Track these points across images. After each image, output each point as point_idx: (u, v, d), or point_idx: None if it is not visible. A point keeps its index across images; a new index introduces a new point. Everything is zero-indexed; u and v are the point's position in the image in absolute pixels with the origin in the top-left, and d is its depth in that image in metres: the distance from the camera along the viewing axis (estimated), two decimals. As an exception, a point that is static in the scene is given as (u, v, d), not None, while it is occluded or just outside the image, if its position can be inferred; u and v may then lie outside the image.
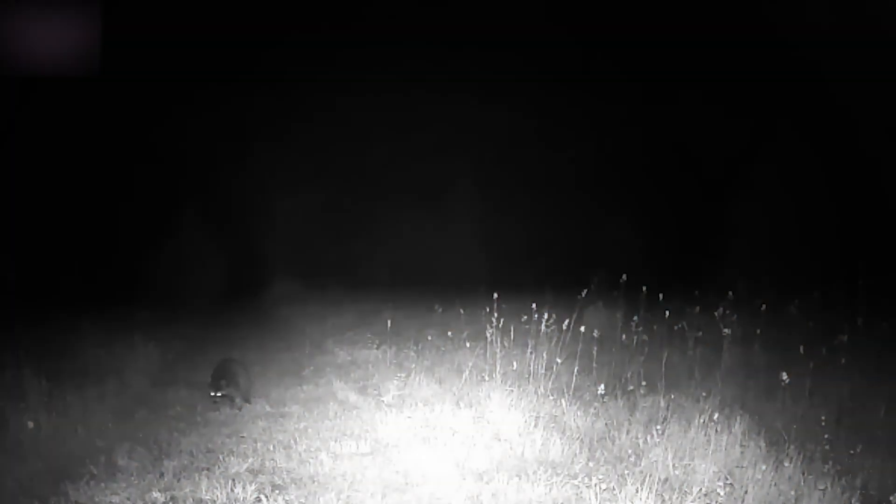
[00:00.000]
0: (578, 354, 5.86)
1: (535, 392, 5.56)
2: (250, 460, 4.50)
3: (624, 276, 7.14)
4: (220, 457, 4.56)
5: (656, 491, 3.91)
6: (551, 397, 5.53)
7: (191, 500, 3.91)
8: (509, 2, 13.92)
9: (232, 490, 3.97)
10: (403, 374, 6.56)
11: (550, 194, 15.04)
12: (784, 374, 4.86)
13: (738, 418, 4.80)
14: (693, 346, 6.62)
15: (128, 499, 3.92)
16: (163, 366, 7.12)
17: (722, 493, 4.01)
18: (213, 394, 5.57)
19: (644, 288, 7.11)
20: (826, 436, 4.62)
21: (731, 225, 13.19)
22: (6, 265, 10.02)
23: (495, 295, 6.38)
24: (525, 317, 6.46)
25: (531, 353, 6.13)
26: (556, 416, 5.26)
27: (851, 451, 4.47)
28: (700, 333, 6.74)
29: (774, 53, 12.46)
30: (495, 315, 6.14)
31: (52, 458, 4.45)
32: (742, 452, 4.45)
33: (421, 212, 14.61)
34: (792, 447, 4.40)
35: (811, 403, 5.38)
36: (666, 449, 4.43)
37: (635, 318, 6.71)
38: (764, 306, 6.75)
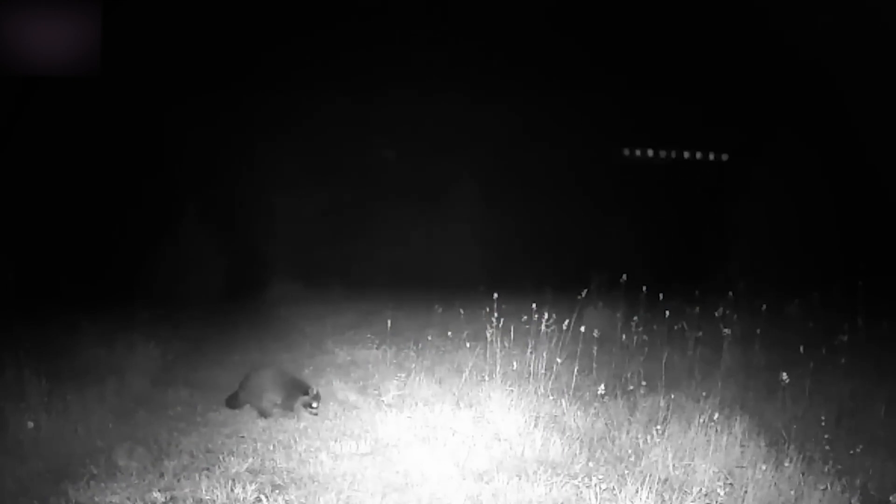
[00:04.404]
0: (578, 354, 5.86)
1: (535, 392, 5.55)
2: (250, 460, 4.50)
3: (624, 276, 7.14)
4: (220, 457, 4.55)
5: (656, 491, 3.90)
6: (551, 397, 5.53)
7: (191, 500, 3.90)
8: (510, 2, 13.92)
9: (232, 490, 3.97)
10: (403, 374, 6.56)
11: (550, 194, 15.05)
12: (784, 374, 4.87)
13: (738, 418, 4.80)
14: (693, 346, 6.62)
15: (128, 499, 3.91)
16: (163, 366, 7.10)
17: (722, 493, 4.00)
18: (313, 406, 5.46)
19: (644, 288, 7.11)
20: (826, 436, 4.61)
21: (731, 225, 13.19)
22: (6, 265, 10.01)
23: (495, 295, 6.38)
24: (525, 317, 6.46)
25: (531, 353, 6.12)
26: (556, 416, 5.26)
27: (851, 451, 4.46)
28: (700, 333, 6.74)
29: (775, 54, 12.46)
30: (495, 315, 6.13)
31: (52, 458, 4.44)
32: (742, 452, 4.45)
33: (421, 212, 14.61)
34: (792, 447, 4.40)
35: (811, 403, 5.38)
36: (666, 449, 4.43)
37: (635, 318, 6.71)
38: (764, 306, 6.76)
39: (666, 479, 4.16)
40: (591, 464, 4.48)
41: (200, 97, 13.18)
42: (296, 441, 4.91)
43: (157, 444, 4.80)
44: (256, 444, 4.86)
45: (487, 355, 6.20)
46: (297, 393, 5.48)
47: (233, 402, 5.65)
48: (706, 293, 7.93)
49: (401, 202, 14.51)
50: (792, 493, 3.97)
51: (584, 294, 6.87)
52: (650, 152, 15.35)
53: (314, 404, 5.44)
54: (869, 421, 5.19)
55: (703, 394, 5.49)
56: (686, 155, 15.09)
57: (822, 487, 3.96)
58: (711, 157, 14.78)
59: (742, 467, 4.27)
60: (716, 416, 4.71)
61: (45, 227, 11.53)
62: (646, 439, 4.69)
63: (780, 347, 6.69)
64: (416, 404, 5.58)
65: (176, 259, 12.49)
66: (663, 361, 5.86)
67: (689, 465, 4.34)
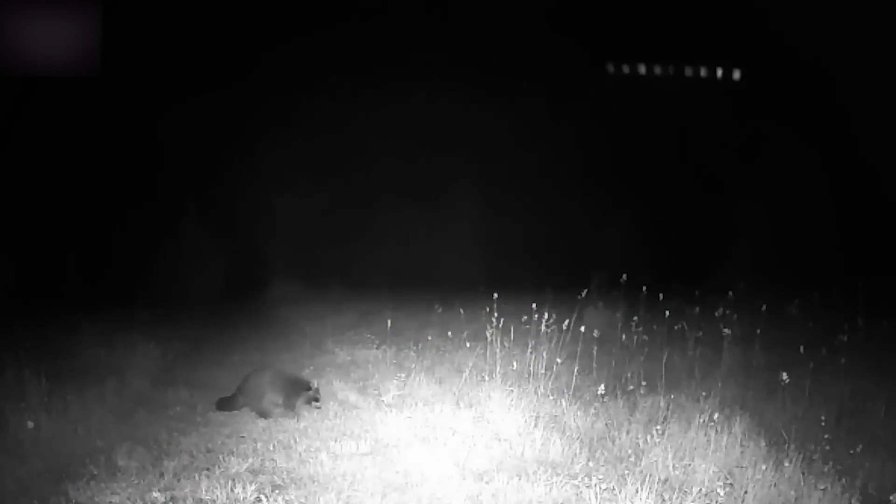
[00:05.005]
0: (578, 354, 5.86)
1: (535, 392, 5.56)
2: (250, 460, 4.50)
3: (624, 276, 7.15)
4: (220, 457, 4.55)
5: (656, 491, 3.91)
6: (551, 397, 5.53)
7: (191, 500, 3.90)
8: (510, 2, 13.92)
9: (232, 490, 3.97)
10: (403, 374, 6.56)
11: (550, 194, 15.04)
12: (784, 374, 4.87)
13: (738, 418, 4.80)
14: (693, 346, 6.62)
15: (128, 499, 3.91)
16: (163, 366, 7.10)
17: (722, 493, 4.01)
18: (316, 400, 5.51)
19: (644, 288, 7.12)
20: (826, 436, 4.62)
21: (731, 225, 13.19)
22: (6, 265, 10.00)
23: (495, 295, 6.38)
24: (525, 317, 6.46)
25: (531, 353, 6.12)
26: (556, 416, 5.26)
27: (851, 451, 4.47)
28: (700, 333, 6.75)
29: (775, 53, 12.47)
30: (495, 315, 6.14)
31: (52, 458, 4.44)
32: (742, 452, 4.45)
33: (421, 212, 14.61)
34: (792, 447, 4.40)
35: (811, 403, 5.38)
36: (666, 449, 4.43)
37: (635, 318, 6.71)
38: (764, 306, 6.76)
39: (666, 479, 4.16)
40: (591, 464, 4.48)
41: (200, 97, 13.17)
42: (296, 441, 4.91)
43: (157, 444, 4.81)
44: (256, 444, 4.86)
45: (487, 355, 6.21)
46: (298, 392, 5.50)
47: (228, 405, 5.64)
48: (706, 293, 7.93)
49: (401, 202, 14.49)
50: (792, 493, 3.98)
51: (584, 294, 6.87)
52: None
53: (317, 398, 5.46)
54: (869, 421, 5.20)
55: (703, 394, 5.49)
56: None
57: (822, 487, 3.97)
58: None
59: (742, 467, 4.27)
60: (716, 416, 4.71)
61: (45, 227, 11.52)
62: (646, 439, 4.70)
63: (780, 347, 6.70)
64: (416, 404, 5.59)
65: (176, 259, 12.48)
66: (663, 361, 5.86)
67: (689, 465, 4.34)
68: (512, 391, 5.57)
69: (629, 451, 4.65)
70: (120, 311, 8.76)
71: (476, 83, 14.33)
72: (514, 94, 14.75)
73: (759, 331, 6.52)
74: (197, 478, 4.16)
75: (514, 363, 6.09)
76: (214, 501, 3.88)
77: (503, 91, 14.59)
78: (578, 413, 5.23)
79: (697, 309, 7.22)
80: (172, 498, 3.93)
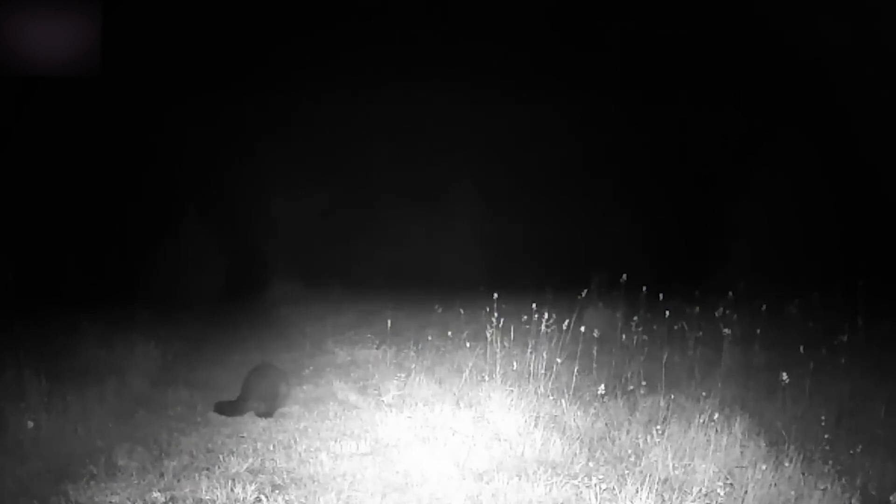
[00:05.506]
0: (578, 354, 5.86)
1: (535, 392, 5.55)
2: (250, 460, 4.50)
3: (624, 276, 7.14)
4: (220, 457, 4.55)
5: (656, 491, 3.90)
6: (551, 397, 5.53)
7: (191, 500, 3.90)
8: (510, 2, 13.93)
9: (232, 490, 3.97)
10: (403, 374, 6.56)
11: (550, 194, 15.05)
12: (784, 374, 4.87)
13: (738, 418, 4.80)
14: (693, 346, 6.62)
15: (128, 499, 3.91)
16: (163, 366, 7.10)
17: (722, 493, 4.01)
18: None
19: (644, 288, 7.11)
20: (826, 436, 4.61)
21: (731, 225, 13.20)
22: (6, 265, 10.01)
23: (495, 295, 6.38)
24: (525, 317, 6.46)
25: (531, 353, 6.12)
26: (556, 416, 5.26)
27: (851, 451, 4.46)
28: (700, 333, 6.74)
29: (776, 54, 12.47)
30: (495, 315, 6.14)
31: (52, 458, 4.44)
32: (742, 452, 4.45)
33: (421, 212, 14.62)
34: (792, 447, 4.40)
35: (811, 403, 5.38)
36: (666, 449, 4.43)
37: (635, 318, 6.71)
38: (764, 306, 6.76)
39: (666, 479, 4.16)
40: (591, 464, 4.48)
41: (200, 97, 13.18)
42: (296, 441, 4.91)
43: (157, 444, 4.80)
44: (256, 444, 4.86)
45: (487, 355, 6.21)
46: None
47: (232, 409, 5.61)
48: (706, 293, 7.93)
49: (401, 202, 14.51)
50: (792, 493, 3.97)
51: (584, 294, 6.87)
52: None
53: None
54: (869, 421, 5.19)
55: (703, 394, 5.48)
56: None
57: (822, 487, 3.96)
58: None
59: (742, 467, 4.26)
60: (716, 416, 4.71)
61: (45, 227, 11.53)
62: (646, 439, 4.69)
63: (780, 347, 6.70)
64: (416, 404, 5.58)
65: (176, 259, 12.50)
66: (663, 361, 5.85)
67: (689, 465, 4.34)
68: (512, 391, 5.57)
69: (629, 451, 4.64)
70: (120, 311, 8.76)
71: (476, 83, 14.34)
72: (514, 95, 14.75)
73: (759, 331, 6.51)
74: (197, 478, 4.16)
75: (514, 363, 6.09)
76: (214, 501, 3.88)
77: (503, 91, 14.60)
78: (578, 413, 5.23)
79: (697, 309, 7.21)
80: (172, 498, 3.93)
